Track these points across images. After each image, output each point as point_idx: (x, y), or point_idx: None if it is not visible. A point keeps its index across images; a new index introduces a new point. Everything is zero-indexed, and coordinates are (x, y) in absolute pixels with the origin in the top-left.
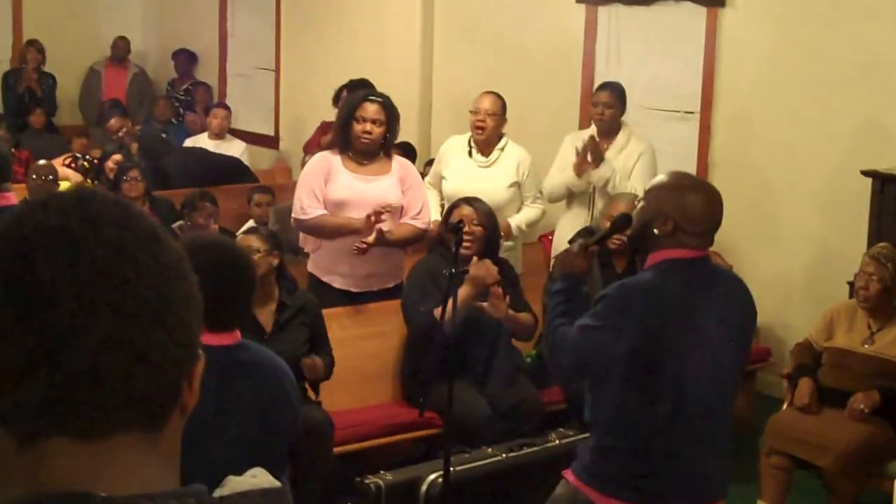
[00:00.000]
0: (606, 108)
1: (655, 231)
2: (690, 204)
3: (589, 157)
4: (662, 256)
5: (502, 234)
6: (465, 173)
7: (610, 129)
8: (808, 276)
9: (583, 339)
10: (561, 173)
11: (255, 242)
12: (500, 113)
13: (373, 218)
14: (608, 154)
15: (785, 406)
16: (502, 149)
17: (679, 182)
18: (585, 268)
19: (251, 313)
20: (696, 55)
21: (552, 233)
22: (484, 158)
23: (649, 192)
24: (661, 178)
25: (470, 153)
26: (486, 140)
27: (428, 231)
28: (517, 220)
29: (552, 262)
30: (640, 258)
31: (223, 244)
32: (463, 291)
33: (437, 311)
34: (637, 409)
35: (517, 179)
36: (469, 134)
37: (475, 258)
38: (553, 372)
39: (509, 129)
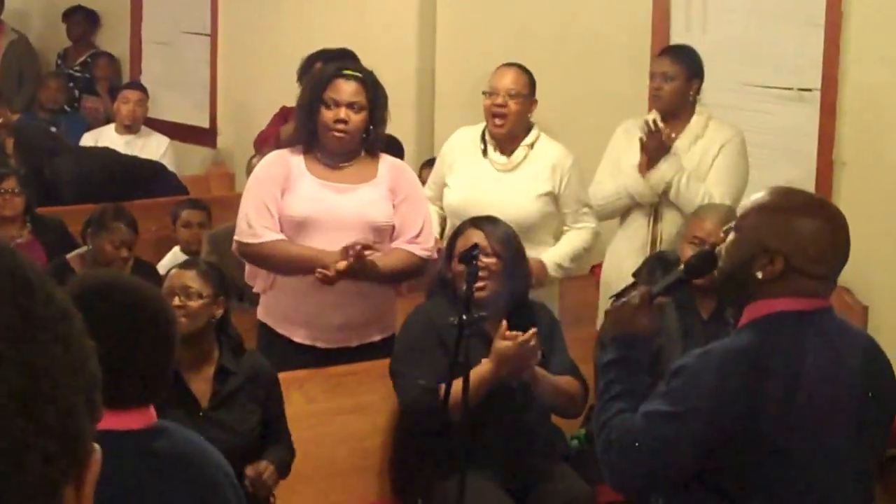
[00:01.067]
0: (666, 79)
1: (758, 274)
2: (808, 233)
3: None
4: (766, 309)
5: (533, 275)
6: (477, 180)
7: (675, 110)
8: None
9: (652, 433)
10: (614, 177)
11: (193, 283)
12: (528, 93)
13: (351, 255)
14: (676, 145)
15: None
16: (531, 145)
17: (789, 202)
18: (650, 327)
19: (167, 384)
20: (816, 12)
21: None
22: (505, 158)
23: (746, 217)
24: (762, 197)
25: (485, 151)
26: (509, 132)
27: (431, 261)
28: (556, 256)
29: (601, 314)
30: (733, 310)
31: (129, 287)
32: (483, 369)
33: (443, 388)
34: None
35: (552, 188)
36: (483, 125)
37: (503, 323)
38: (610, 477)
39: (542, 120)
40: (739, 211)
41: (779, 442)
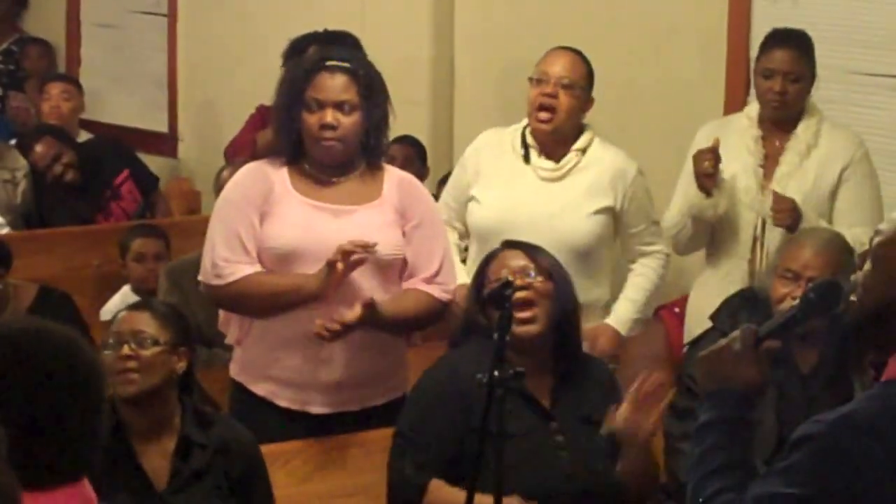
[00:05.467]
0: (790, 80)
1: None
2: None
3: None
4: None
5: (601, 349)
6: (517, 191)
7: (790, 116)
8: None
9: None
10: (687, 196)
11: (147, 327)
12: (585, 85)
13: (339, 264)
14: (783, 160)
15: None
16: (584, 150)
17: None
18: (758, 379)
19: (97, 448)
20: None
21: (679, 300)
22: (552, 164)
23: (889, 243)
24: None
25: (526, 156)
26: (556, 130)
27: (453, 305)
28: (627, 310)
29: (685, 358)
30: (869, 359)
31: (45, 334)
32: None
33: (442, 494)
34: None
35: (612, 203)
36: (523, 124)
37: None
38: None
39: (592, 121)
40: (878, 236)
41: None
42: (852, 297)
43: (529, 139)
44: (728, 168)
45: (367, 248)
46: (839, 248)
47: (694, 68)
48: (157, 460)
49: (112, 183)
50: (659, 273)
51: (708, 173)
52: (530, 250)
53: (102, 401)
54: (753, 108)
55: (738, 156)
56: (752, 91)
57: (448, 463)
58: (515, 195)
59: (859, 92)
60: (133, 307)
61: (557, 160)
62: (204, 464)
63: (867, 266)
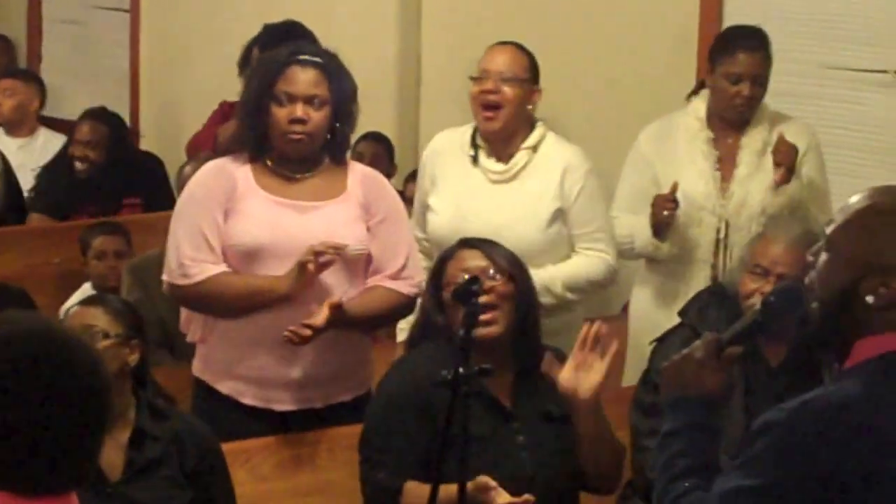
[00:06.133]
0: (757, 84)
1: (868, 300)
2: None
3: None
4: (878, 348)
5: None
6: (465, 196)
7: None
8: None
9: None
10: (632, 212)
11: (97, 321)
12: (527, 78)
13: (311, 265)
14: (741, 160)
15: None
16: (534, 147)
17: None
18: (721, 386)
19: (95, 460)
20: None
21: None
22: (501, 166)
23: (842, 229)
24: (857, 202)
25: (475, 158)
26: (504, 128)
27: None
28: (552, 275)
29: (651, 354)
30: (829, 354)
31: (42, 331)
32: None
33: (418, 493)
34: None
35: (562, 204)
36: (473, 125)
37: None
38: None
39: (556, 120)
40: (830, 225)
41: None
42: (813, 305)
43: (479, 140)
44: (683, 173)
45: (338, 249)
46: (809, 244)
47: (665, 63)
48: (111, 452)
49: (117, 201)
50: (593, 270)
51: (667, 222)
52: (489, 249)
53: (105, 420)
54: (700, 107)
55: (692, 160)
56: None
57: (419, 465)
58: (465, 203)
59: (835, 87)
60: (85, 302)
61: (507, 160)
62: (158, 455)
63: (823, 256)
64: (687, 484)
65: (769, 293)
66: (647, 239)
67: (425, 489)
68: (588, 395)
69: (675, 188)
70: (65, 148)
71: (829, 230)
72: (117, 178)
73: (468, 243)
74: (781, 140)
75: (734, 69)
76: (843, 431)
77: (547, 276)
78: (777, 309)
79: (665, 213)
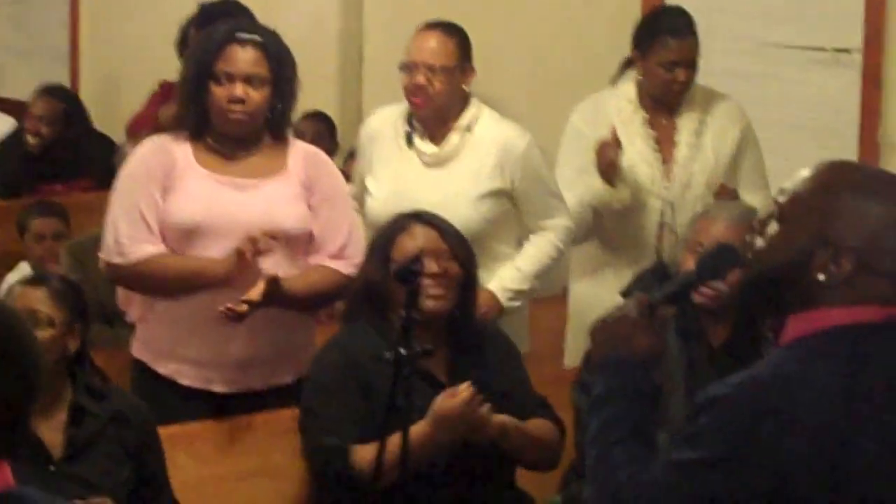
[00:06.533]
0: (689, 68)
1: (819, 277)
2: (882, 220)
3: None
4: (823, 322)
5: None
6: (400, 179)
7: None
8: None
9: (677, 490)
10: (580, 177)
11: (43, 306)
12: (455, 65)
13: (248, 252)
14: (680, 140)
15: None
16: (469, 127)
17: (852, 180)
18: (653, 346)
19: (25, 431)
20: None
21: None
22: (435, 148)
23: (796, 201)
24: (813, 175)
25: (409, 140)
26: (436, 114)
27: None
28: (507, 279)
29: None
30: (768, 324)
31: None
32: (418, 432)
33: (366, 451)
34: None
35: (502, 185)
36: (407, 105)
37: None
38: None
39: (495, 98)
40: (783, 195)
41: (850, 497)
42: (755, 270)
43: (414, 121)
44: (623, 156)
45: (276, 237)
46: (751, 222)
47: (606, 38)
48: (51, 432)
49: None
50: (557, 246)
51: (614, 164)
52: (441, 228)
53: (36, 387)
54: (630, 88)
55: (630, 142)
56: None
57: (359, 435)
58: (401, 185)
59: (775, 65)
60: (29, 282)
61: (440, 143)
62: (97, 431)
63: (773, 225)
64: (624, 455)
65: (704, 253)
66: (600, 190)
67: (371, 448)
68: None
69: (614, 132)
70: (15, 127)
71: (782, 200)
72: (69, 155)
73: (421, 218)
74: (721, 188)
75: (669, 57)
76: (785, 407)
77: (508, 279)
78: (710, 268)
79: (611, 154)
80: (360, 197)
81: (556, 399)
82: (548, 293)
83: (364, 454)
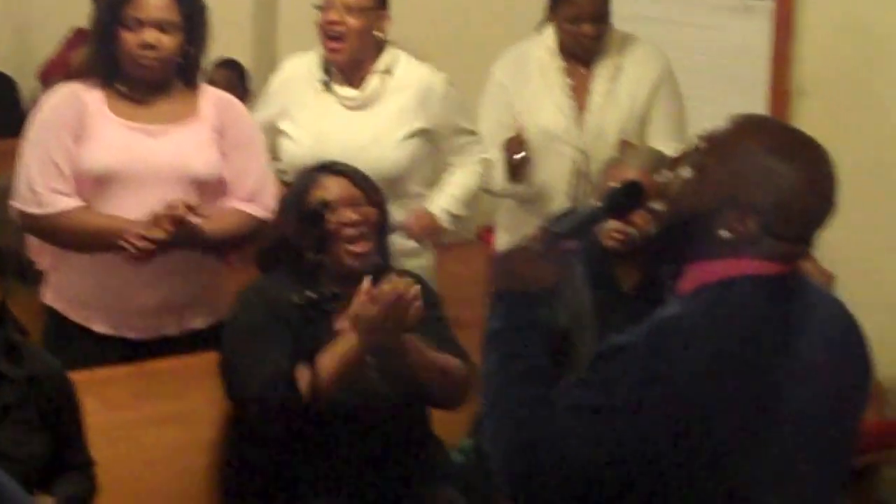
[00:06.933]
0: (597, 22)
1: (722, 233)
2: (792, 184)
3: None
4: (723, 272)
5: (420, 233)
6: (322, 123)
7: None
8: None
9: (576, 434)
10: (500, 132)
11: None
12: (372, 6)
13: (166, 223)
14: (594, 88)
15: None
16: (388, 70)
17: (770, 140)
18: (553, 278)
19: None
20: None
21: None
22: (355, 93)
23: (713, 153)
24: (732, 129)
25: (327, 85)
26: (351, 60)
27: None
28: (444, 201)
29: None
30: (668, 269)
31: None
32: (346, 346)
33: (304, 374)
34: None
35: (424, 124)
36: (321, 50)
37: (366, 282)
38: (511, 488)
39: (419, 38)
40: (700, 141)
41: (735, 445)
42: (656, 206)
43: (329, 66)
44: (539, 106)
45: (194, 209)
46: (662, 166)
47: None
48: None
49: None
50: (478, 173)
51: (519, 164)
52: (356, 178)
53: None
54: (550, 36)
55: (547, 92)
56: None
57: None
58: (325, 129)
59: (685, 12)
60: None
61: (359, 86)
62: (14, 399)
63: (687, 171)
64: (523, 393)
65: (608, 189)
66: (503, 182)
67: (307, 371)
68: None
69: (522, 131)
70: None
71: (699, 148)
72: None
73: (333, 169)
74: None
75: (573, 11)
76: (685, 356)
77: (445, 201)
78: (615, 203)
79: (516, 156)
80: (270, 141)
81: (472, 344)
82: (456, 238)
83: (303, 376)
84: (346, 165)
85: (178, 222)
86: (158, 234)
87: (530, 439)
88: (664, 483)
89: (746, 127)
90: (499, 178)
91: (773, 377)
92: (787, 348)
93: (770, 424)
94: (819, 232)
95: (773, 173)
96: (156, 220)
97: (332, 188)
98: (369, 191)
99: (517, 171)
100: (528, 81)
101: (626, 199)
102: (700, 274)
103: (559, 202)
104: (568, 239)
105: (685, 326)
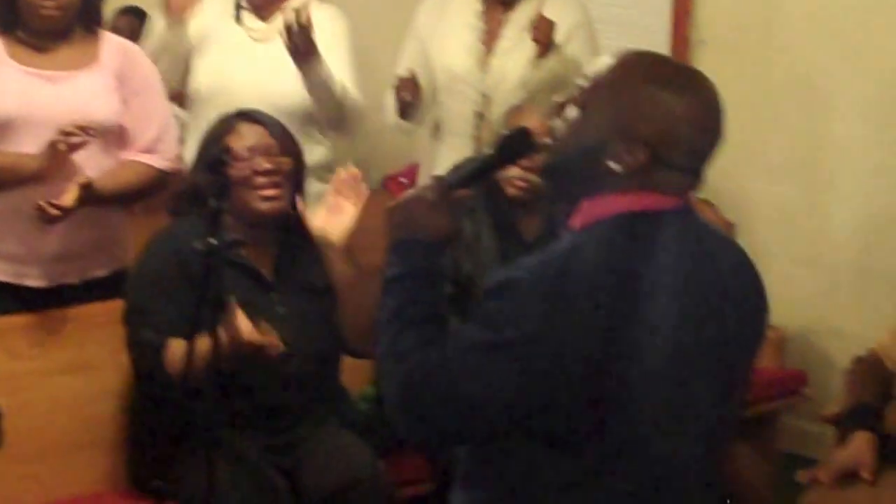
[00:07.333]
0: None
1: (612, 166)
2: (679, 114)
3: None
4: (615, 207)
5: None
6: (228, 55)
7: None
8: (872, 248)
9: (468, 369)
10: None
11: None
12: None
13: (61, 145)
14: (504, 33)
15: (827, 474)
16: (300, 10)
17: (654, 73)
18: (448, 227)
19: None
20: None
21: (405, 171)
22: (261, 24)
23: (596, 90)
24: (615, 65)
25: (238, 16)
26: None
27: (174, 174)
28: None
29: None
30: (562, 208)
31: None
32: (244, 325)
33: (178, 348)
34: (562, 484)
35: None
36: None
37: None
38: (408, 429)
39: None
40: (585, 81)
41: (625, 378)
42: (548, 144)
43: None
44: (448, 46)
45: (88, 131)
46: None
47: None
48: None
49: None
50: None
51: (410, 103)
52: (269, 126)
53: None
54: None
55: (458, 33)
56: None
57: (183, 328)
58: (227, 59)
59: None
60: None
61: (268, 18)
62: None
63: (573, 111)
64: (417, 338)
65: (500, 136)
66: (394, 119)
67: (183, 345)
68: (339, 237)
69: (412, 73)
70: None
71: (583, 88)
72: None
73: (247, 117)
74: (539, 17)
75: None
76: (574, 290)
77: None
78: (507, 151)
79: (407, 97)
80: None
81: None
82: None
83: (175, 350)
84: (263, 113)
85: (72, 147)
86: (69, 202)
87: (423, 380)
88: (554, 418)
89: (631, 62)
90: (390, 114)
91: (656, 310)
92: (675, 282)
93: (660, 357)
94: (708, 163)
95: (659, 103)
96: (51, 148)
97: (248, 136)
98: (285, 140)
99: (405, 111)
100: (444, 21)
101: (515, 144)
102: (591, 210)
103: (463, 144)
104: (460, 188)
105: (572, 262)
